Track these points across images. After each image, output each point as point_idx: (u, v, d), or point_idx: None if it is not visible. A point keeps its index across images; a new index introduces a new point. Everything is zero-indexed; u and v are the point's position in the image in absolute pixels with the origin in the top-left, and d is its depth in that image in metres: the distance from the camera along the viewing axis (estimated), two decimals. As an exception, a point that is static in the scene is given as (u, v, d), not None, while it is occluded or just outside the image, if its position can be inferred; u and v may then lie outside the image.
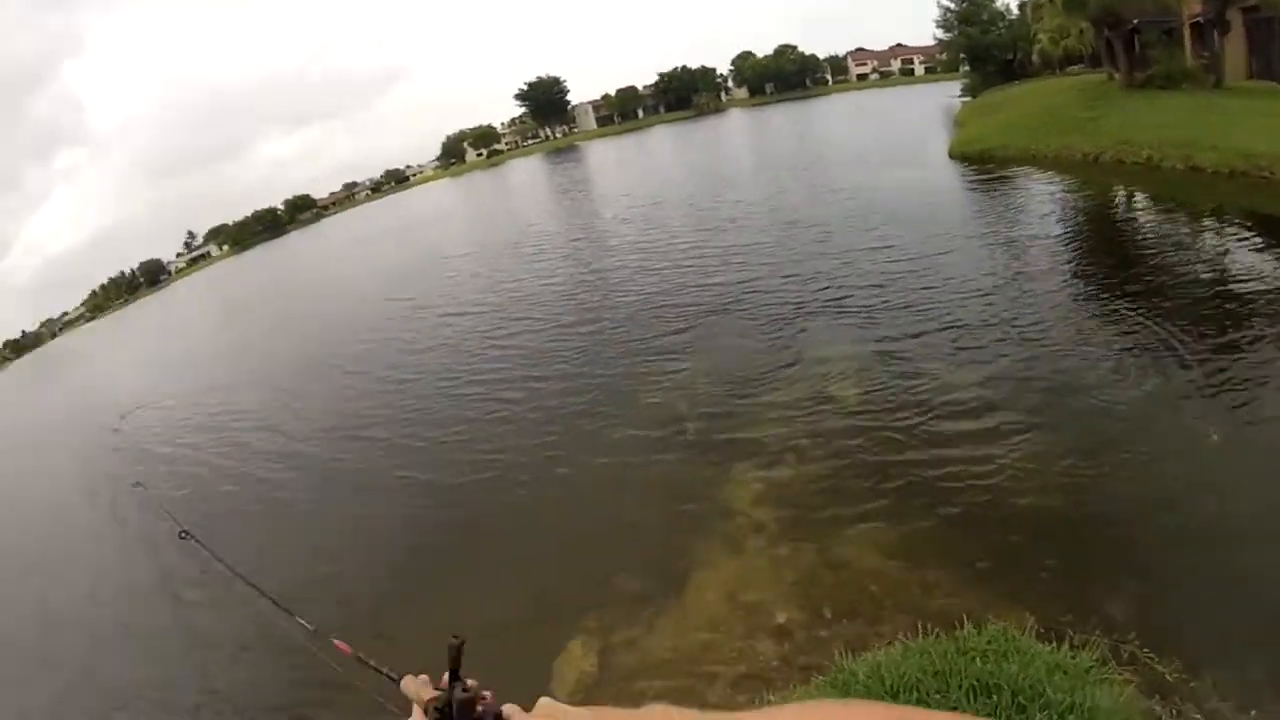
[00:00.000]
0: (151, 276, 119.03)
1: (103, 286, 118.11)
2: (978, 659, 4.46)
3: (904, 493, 7.61)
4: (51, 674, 9.92)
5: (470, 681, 1.18)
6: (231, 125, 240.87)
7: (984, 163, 23.36)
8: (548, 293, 20.82)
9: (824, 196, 23.11)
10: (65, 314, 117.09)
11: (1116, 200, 18.55)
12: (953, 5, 50.31)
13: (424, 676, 1.29)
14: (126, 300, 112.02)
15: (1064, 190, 20.16)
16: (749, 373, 11.86)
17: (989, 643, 4.70)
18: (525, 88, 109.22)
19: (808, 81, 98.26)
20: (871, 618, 5.99)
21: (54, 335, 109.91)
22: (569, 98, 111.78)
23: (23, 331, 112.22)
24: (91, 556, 13.57)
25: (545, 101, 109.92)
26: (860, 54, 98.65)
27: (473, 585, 8.91)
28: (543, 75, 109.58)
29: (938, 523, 7.00)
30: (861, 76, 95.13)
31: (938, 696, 4.12)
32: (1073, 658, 4.54)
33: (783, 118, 64.34)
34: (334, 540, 10.90)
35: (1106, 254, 14.32)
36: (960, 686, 4.15)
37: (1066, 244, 15.47)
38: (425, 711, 1.17)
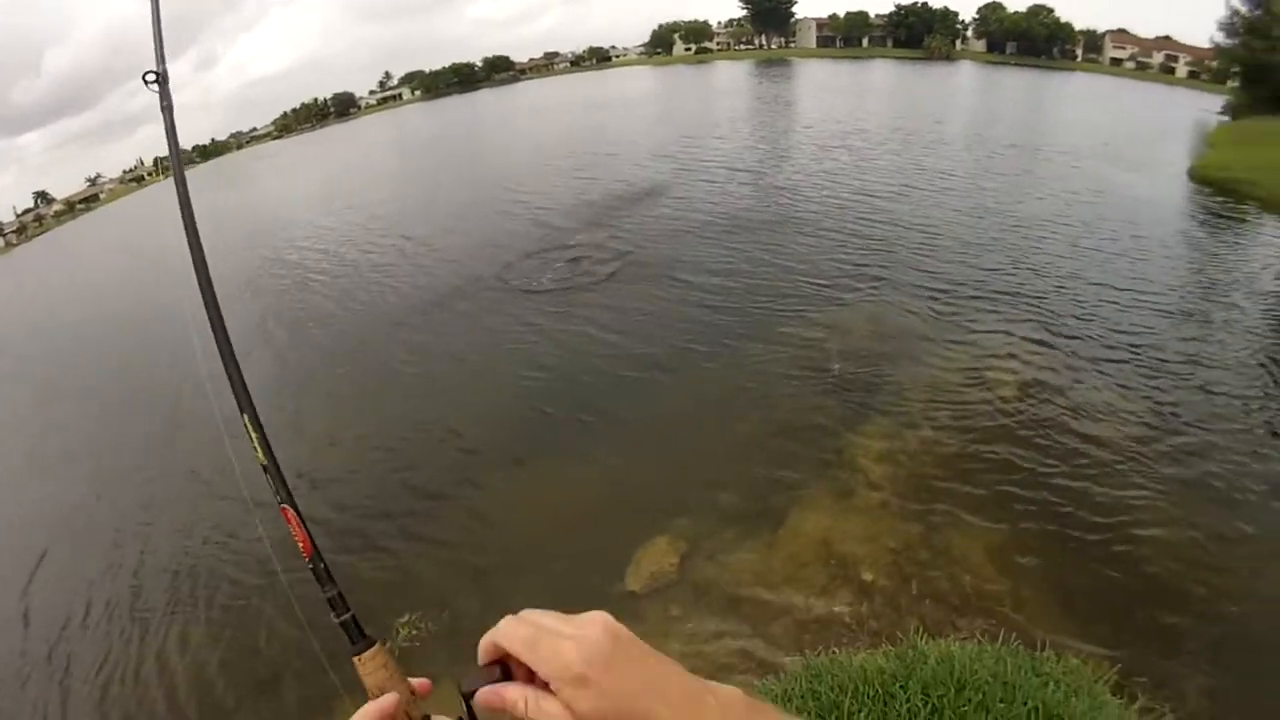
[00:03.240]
0: (342, 108, 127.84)
1: (294, 110, 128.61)
2: (1050, 684, 4.45)
3: (1027, 502, 7.38)
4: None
5: None
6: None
7: (1227, 195, 20.30)
8: (691, 208, 20.67)
9: (1037, 181, 21.14)
10: (254, 129, 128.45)
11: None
12: (1244, 9, 40.77)
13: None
14: (314, 125, 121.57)
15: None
16: (910, 332, 11.67)
17: (1065, 673, 4.67)
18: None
19: (1055, 52, 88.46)
20: (955, 608, 6.02)
21: (240, 146, 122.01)
22: (794, 9, 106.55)
23: (212, 139, 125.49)
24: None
25: (768, 9, 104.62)
26: (1121, 36, 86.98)
27: (578, 461, 9.65)
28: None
29: (1051, 543, 6.79)
30: (1116, 61, 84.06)
31: (1001, 705, 4.17)
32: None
33: (1018, 84, 58.24)
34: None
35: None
36: (1026, 704, 4.19)
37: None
38: None
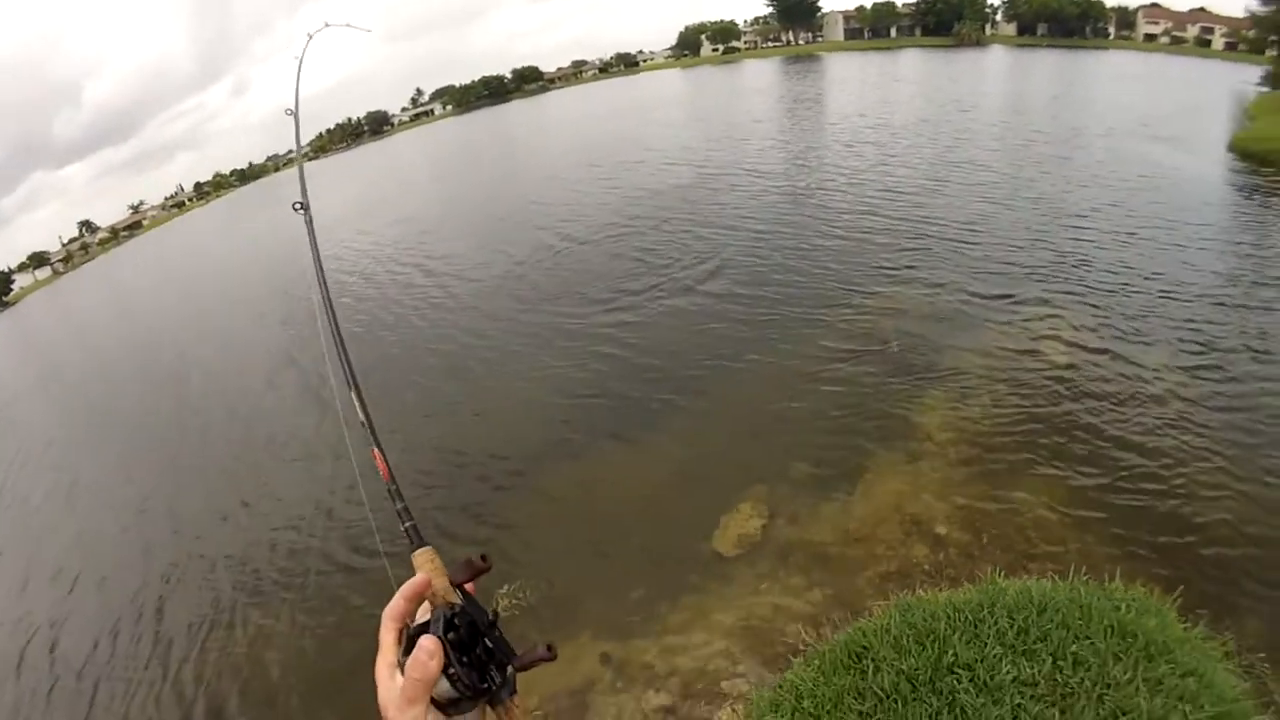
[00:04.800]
0: (375, 126, 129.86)
1: (329, 130, 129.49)
2: (1121, 606, 5.00)
3: (1085, 460, 7.93)
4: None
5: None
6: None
7: (1271, 166, 20.15)
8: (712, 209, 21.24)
9: (1076, 168, 21.03)
10: (290, 151, 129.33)
11: None
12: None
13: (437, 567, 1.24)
14: (349, 144, 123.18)
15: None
16: (961, 308, 12.32)
17: (1132, 598, 5.21)
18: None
19: (1088, 31, 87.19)
20: (1025, 554, 6.58)
21: (277, 169, 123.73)
22: (820, 3, 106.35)
23: (250, 163, 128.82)
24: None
25: (794, 5, 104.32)
26: (1154, 10, 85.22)
27: (656, 443, 10.33)
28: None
29: (1110, 496, 7.33)
30: (1150, 37, 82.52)
31: (1079, 623, 4.73)
32: (1203, 640, 5.01)
33: (1049, 66, 57.02)
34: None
35: None
36: (1102, 622, 4.74)
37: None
38: (432, 610, 1.16)
